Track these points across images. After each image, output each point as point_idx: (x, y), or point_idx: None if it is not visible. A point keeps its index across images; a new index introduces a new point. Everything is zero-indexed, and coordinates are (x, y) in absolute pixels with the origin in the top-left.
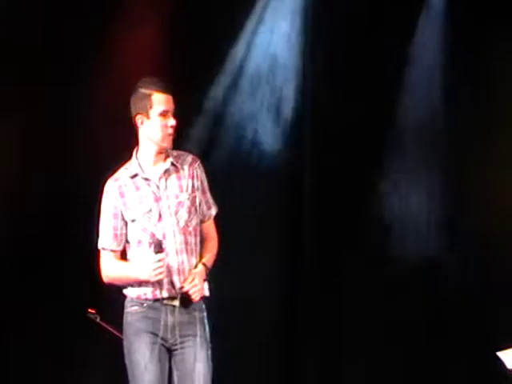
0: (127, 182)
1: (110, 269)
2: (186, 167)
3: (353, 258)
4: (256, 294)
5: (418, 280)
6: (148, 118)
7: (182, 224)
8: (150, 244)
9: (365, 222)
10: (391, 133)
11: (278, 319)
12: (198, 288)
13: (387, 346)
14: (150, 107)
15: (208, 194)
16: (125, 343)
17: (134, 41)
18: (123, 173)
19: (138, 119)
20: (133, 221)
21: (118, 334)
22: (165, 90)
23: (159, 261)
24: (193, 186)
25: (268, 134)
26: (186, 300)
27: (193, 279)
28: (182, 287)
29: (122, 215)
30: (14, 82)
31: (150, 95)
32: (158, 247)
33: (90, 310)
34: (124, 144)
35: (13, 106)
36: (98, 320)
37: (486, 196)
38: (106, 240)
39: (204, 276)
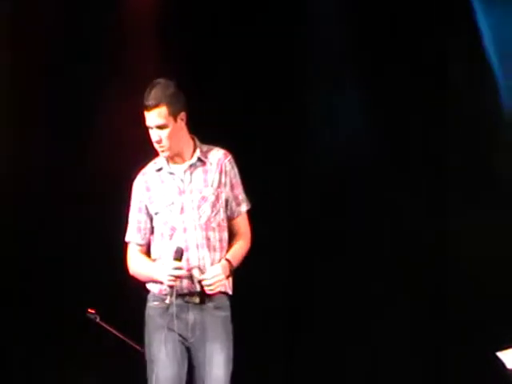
0: (153, 175)
1: (133, 262)
2: (214, 162)
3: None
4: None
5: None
6: None
7: (204, 219)
8: (171, 236)
9: None
10: None
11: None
12: (215, 281)
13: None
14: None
15: (238, 190)
16: (145, 337)
17: None
18: (151, 167)
19: None
20: (156, 213)
21: (117, 333)
22: (147, 107)
23: (175, 268)
24: (219, 181)
25: None
26: (206, 297)
27: (212, 273)
28: (200, 280)
29: (147, 209)
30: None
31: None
32: (178, 255)
33: (89, 310)
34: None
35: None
36: (97, 320)
37: None
38: (131, 233)
39: (227, 272)
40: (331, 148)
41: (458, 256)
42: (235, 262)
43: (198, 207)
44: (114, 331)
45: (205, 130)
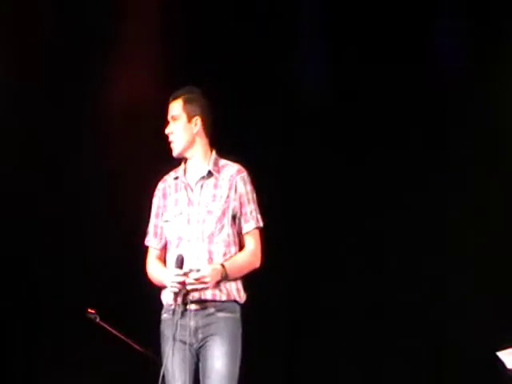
0: (171, 183)
1: (149, 267)
2: (226, 177)
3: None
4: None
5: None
6: None
7: (207, 233)
8: (177, 245)
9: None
10: None
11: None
12: (200, 276)
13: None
14: None
15: (249, 208)
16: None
17: None
18: (171, 174)
19: None
20: (166, 221)
21: (117, 333)
22: (170, 99)
23: (176, 275)
24: (227, 196)
25: None
26: (208, 303)
27: (201, 272)
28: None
29: (162, 215)
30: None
31: None
32: (179, 263)
33: (89, 310)
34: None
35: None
36: (97, 320)
37: None
38: (149, 237)
39: (218, 276)
40: None
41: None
42: (230, 270)
43: (203, 220)
44: (114, 331)
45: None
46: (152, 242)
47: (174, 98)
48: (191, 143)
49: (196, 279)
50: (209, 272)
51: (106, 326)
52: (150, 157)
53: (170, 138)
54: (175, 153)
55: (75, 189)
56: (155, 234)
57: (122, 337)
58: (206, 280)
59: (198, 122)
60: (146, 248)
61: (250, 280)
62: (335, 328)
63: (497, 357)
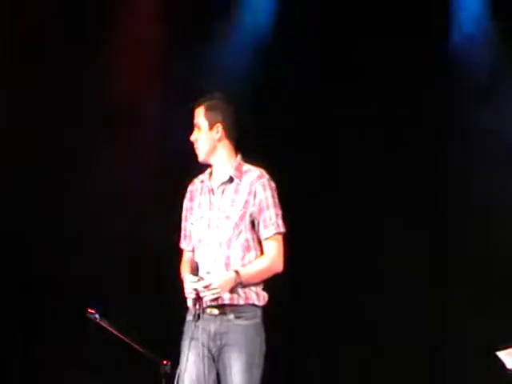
0: (198, 186)
1: (181, 267)
2: (246, 183)
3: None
4: None
5: None
6: None
7: (225, 238)
8: (197, 248)
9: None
10: None
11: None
12: (212, 291)
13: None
14: None
15: (268, 213)
16: None
17: None
18: (199, 177)
19: None
20: (192, 224)
21: (117, 333)
22: (194, 106)
23: (191, 282)
24: (246, 201)
25: None
26: (227, 308)
27: (209, 280)
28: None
29: (190, 218)
30: None
31: None
32: (195, 270)
33: (89, 310)
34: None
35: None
36: (97, 320)
37: None
38: (181, 240)
39: (231, 282)
40: None
41: None
42: (245, 276)
43: (221, 225)
44: (115, 331)
45: None
46: (182, 244)
47: (198, 106)
48: (213, 150)
49: (204, 287)
50: (216, 280)
51: (106, 325)
52: (152, 155)
53: (195, 145)
54: (200, 159)
55: (75, 189)
56: (184, 237)
57: (122, 337)
58: (213, 287)
59: (219, 128)
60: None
61: None
62: (335, 329)
63: (497, 357)
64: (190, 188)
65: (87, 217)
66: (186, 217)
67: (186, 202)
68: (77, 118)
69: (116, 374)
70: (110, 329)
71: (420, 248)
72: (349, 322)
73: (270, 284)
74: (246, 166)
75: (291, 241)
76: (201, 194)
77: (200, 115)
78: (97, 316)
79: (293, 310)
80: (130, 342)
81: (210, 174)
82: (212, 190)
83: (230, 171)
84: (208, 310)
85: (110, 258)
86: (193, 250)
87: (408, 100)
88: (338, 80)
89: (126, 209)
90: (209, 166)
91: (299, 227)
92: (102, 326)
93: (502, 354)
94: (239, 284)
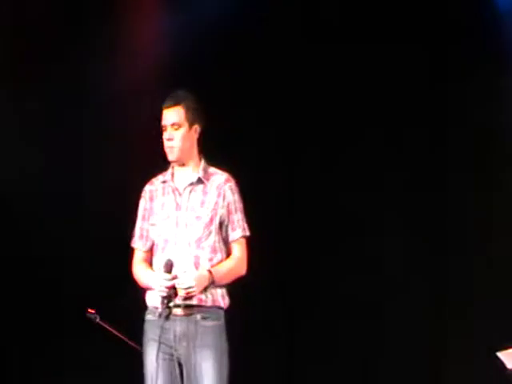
0: (159, 187)
1: (135, 268)
2: (214, 185)
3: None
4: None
5: None
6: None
7: (194, 237)
8: (163, 249)
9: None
10: None
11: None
12: (186, 286)
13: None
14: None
15: (236, 216)
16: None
17: None
18: (158, 178)
19: None
20: (152, 225)
21: (117, 333)
22: (167, 105)
23: (164, 280)
24: (216, 203)
25: None
26: (193, 309)
27: (185, 278)
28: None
29: (149, 218)
30: None
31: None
32: (168, 268)
33: (89, 310)
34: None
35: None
36: (97, 320)
37: None
38: (135, 239)
39: (205, 281)
40: None
41: None
42: (217, 275)
43: (191, 225)
44: (114, 331)
45: None
46: (138, 243)
47: (174, 105)
48: (189, 150)
49: (184, 288)
50: (192, 278)
51: (106, 326)
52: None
53: (170, 144)
54: (173, 158)
55: (75, 188)
56: (141, 237)
57: (122, 337)
58: (190, 285)
59: (197, 129)
60: (132, 249)
61: (250, 280)
62: (333, 326)
63: (497, 357)
64: (148, 188)
65: (87, 217)
66: (143, 216)
67: (143, 202)
68: (77, 118)
69: (116, 374)
70: (110, 329)
71: (420, 248)
72: (349, 321)
73: (270, 284)
74: (212, 169)
75: (291, 242)
76: (163, 194)
77: (180, 114)
78: (97, 316)
79: (291, 312)
80: (129, 341)
81: (172, 174)
82: (177, 191)
83: (199, 173)
84: (176, 310)
85: (110, 257)
86: (149, 251)
87: (408, 100)
88: (337, 80)
89: (126, 209)
90: (169, 166)
91: (299, 227)
92: (101, 325)
93: (502, 354)
94: (211, 284)
